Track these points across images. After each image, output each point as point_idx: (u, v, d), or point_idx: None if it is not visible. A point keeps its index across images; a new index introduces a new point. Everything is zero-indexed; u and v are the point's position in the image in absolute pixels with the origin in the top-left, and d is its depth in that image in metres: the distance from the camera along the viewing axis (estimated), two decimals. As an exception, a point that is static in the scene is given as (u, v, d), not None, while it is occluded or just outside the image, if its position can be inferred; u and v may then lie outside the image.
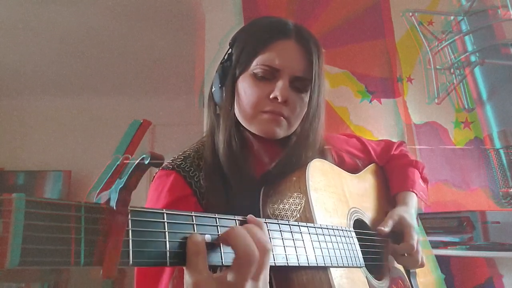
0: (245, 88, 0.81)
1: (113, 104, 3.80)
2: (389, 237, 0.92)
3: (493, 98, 1.99)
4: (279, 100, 0.78)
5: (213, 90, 0.89)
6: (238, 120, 0.84)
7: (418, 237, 0.88)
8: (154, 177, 0.81)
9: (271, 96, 0.79)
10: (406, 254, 0.87)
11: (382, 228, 0.86)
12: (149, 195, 0.79)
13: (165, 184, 0.77)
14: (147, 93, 3.73)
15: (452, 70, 2.12)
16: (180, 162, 0.81)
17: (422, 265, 0.89)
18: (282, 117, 0.80)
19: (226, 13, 2.36)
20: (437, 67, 2.15)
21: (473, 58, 2.05)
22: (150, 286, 0.69)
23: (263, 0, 2.37)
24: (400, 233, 0.89)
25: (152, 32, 2.93)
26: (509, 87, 1.94)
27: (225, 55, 0.88)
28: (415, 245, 0.86)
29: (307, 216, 0.69)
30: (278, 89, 0.78)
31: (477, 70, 2.04)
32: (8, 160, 3.66)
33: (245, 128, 0.84)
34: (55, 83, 3.60)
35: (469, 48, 2.08)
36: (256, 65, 0.80)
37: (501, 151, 1.91)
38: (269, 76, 0.80)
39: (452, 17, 2.14)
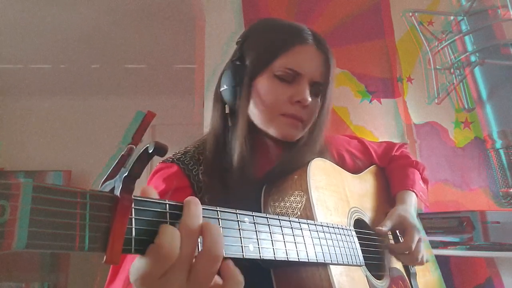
0: (266, 89, 0.81)
1: (113, 104, 3.80)
2: (388, 236, 0.93)
3: (493, 98, 1.98)
4: (304, 104, 0.79)
5: (222, 89, 0.86)
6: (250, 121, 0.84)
7: (420, 237, 0.88)
8: (153, 170, 0.82)
9: (295, 99, 0.79)
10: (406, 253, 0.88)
11: (380, 228, 0.86)
12: (147, 183, 0.80)
13: (164, 174, 0.78)
14: (147, 93, 3.74)
15: (452, 70, 2.11)
16: (180, 156, 0.82)
17: (421, 263, 0.89)
18: (300, 121, 0.81)
19: (226, 13, 2.36)
20: (437, 67, 2.15)
21: (473, 58, 2.05)
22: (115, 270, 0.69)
23: (263, 0, 2.37)
24: (402, 232, 0.90)
25: (152, 32, 2.93)
26: (509, 87, 1.94)
27: (235, 54, 0.86)
28: (413, 246, 0.86)
29: (307, 214, 0.69)
30: (303, 94, 0.79)
31: (477, 70, 2.04)
32: (8, 160, 3.66)
33: (256, 129, 0.84)
34: (55, 83, 3.60)
35: (469, 48, 2.08)
36: (278, 67, 0.80)
37: (501, 151, 1.91)
38: (289, 79, 0.80)
39: (452, 17, 2.14)
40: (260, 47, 0.83)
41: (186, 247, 0.40)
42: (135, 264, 0.40)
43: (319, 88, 0.83)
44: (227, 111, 0.86)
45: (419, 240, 0.88)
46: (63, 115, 3.88)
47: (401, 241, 0.91)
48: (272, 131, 0.82)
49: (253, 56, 0.83)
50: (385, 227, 0.87)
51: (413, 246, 0.86)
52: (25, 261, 3.28)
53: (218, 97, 0.88)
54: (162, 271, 0.39)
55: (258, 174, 0.81)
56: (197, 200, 0.44)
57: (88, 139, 3.74)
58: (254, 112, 0.83)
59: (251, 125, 0.83)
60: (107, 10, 2.69)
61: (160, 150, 0.39)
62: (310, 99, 0.79)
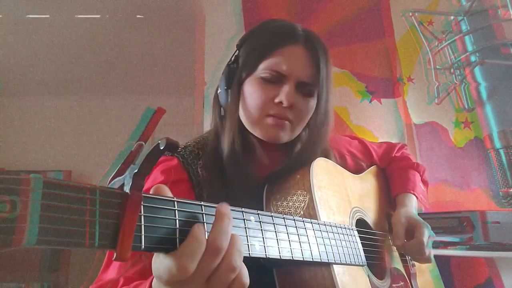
0: (251, 92, 0.81)
1: (113, 104, 3.79)
2: (389, 238, 0.93)
3: (493, 98, 1.99)
4: (284, 105, 0.78)
5: (218, 91, 0.88)
6: (241, 123, 0.84)
7: (428, 234, 0.89)
8: None
9: (276, 100, 0.79)
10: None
11: (397, 243, 0.88)
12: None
13: (163, 166, 0.79)
14: (147, 93, 3.73)
15: (452, 70, 2.12)
16: (180, 150, 0.83)
17: (429, 259, 0.90)
18: (286, 121, 0.80)
19: (226, 13, 2.36)
20: (437, 67, 2.15)
21: (473, 58, 2.06)
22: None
23: (263, 0, 2.37)
24: (411, 232, 0.90)
25: (152, 32, 2.93)
26: (509, 87, 1.94)
27: (232, 57, 0.87)
28: (425, 240, 0.87)
29: (310, 214, 0.69)
30: (284, 94, 0.78)
31: (477, 70, 2.04)
32: (8, 160, 3.66)
33: (249, 131, 0.84)
34: (55, 83, 3.60)
35: (469, 48, 2.08)
36: (263, 69, 0.80)
37: (501, 151, 1.91)
38: (275, 80, 0.80)
39: (452, 17, 2.15)
40: (249, 50, 0.84)
41: (208, 263, 0.41)
42: (156, 263, 0.40)
43: (310, 89, 0.82)
44: (222, 113, 0.87)
45: (428, 237, 0.89)
46: (63, 115, 3.87)
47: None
48: (258, 133, 0.82)
49: (243, 60, 0.83)
50: (399, 239, 0.88)
51: (425, 241, 0.87)
52: (25, 261, 3.28)
53: (216, 99, 0.90)
54: (177, 280, 0.40)
55: (258, 174, 0.82)
56: (231, 215, 0.44)
57: (88, 139, 3.73)
58: (242, 115, 0.83)
59: (245, 130, 0.83)
60: (107, 10, 2.69)
61: (172, 146, 0.39)
62: (292, 99, 0.78)
